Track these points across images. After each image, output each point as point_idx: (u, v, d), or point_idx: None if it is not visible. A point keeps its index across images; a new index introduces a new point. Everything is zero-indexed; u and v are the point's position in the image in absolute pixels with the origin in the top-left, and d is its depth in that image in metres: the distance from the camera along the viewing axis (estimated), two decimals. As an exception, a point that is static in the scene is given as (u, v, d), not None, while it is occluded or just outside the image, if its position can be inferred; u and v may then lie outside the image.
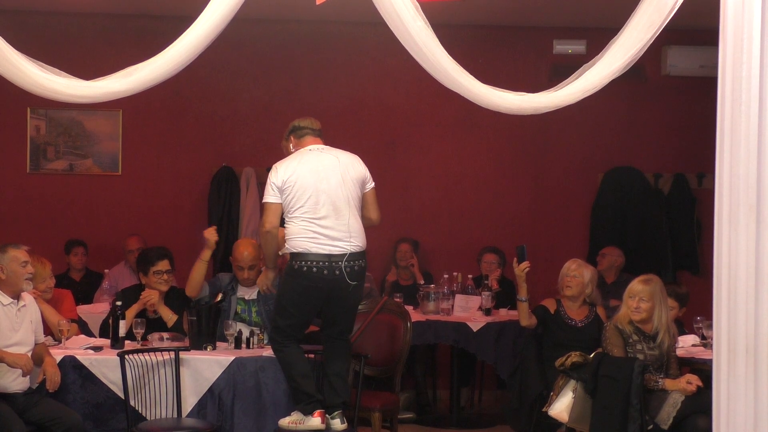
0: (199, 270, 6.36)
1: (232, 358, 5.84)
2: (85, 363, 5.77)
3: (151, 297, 6.39)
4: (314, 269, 5.59)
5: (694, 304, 6.78)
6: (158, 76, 4.52)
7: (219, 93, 9.19)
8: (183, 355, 5.81)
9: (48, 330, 6.09)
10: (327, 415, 5.67)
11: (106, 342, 6.06)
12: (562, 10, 8.64)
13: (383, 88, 9.26)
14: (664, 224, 9.39)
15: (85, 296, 8.09)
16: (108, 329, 6.14)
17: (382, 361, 6.69)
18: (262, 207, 5.92)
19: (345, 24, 8.71)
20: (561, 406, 6.01)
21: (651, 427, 5.80)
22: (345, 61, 9.21)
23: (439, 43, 4.53)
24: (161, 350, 5.81)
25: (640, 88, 9.25)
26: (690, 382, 5.84)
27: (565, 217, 9.46)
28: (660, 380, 5.90)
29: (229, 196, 9.13)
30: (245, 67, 9.21)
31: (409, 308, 7.42)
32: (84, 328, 6.82)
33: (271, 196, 5.70)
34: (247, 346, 6.09)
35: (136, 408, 5.74)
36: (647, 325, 6.06)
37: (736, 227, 4.33)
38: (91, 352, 5.86)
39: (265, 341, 6.14)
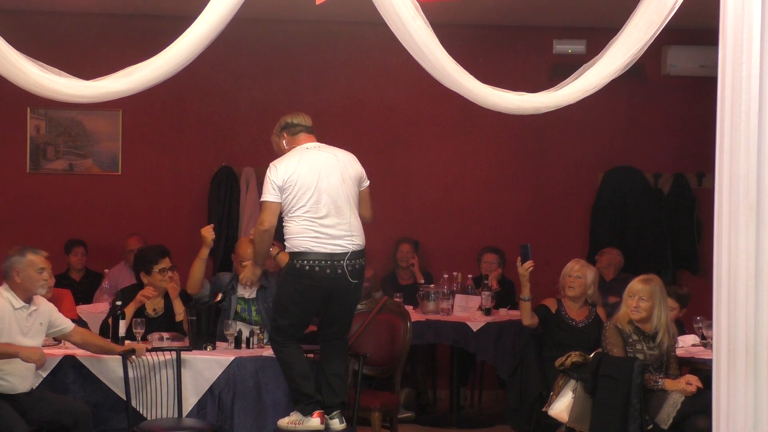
0: (199, 268, 6.37)
1: (232, 357, 5.84)
2: (85, 363, 5.77)
3: (147, 293, 6.44)
4: (316, 268, 5.58)
5: (694, 304, 6.77)
6: (158, 76, 4.52)
7: (219, 93, 9.18)
8: (183, 355, 5.81)
9: None
10: (326, 416, 5.67)
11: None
12: (562, 10, 8.64)
13: (383, 88, 9.25)
14: (664, 224, 9.39)
15: (85, 296, 8.11)
16: (108, 329, 6.15)
17: (382, 360, 6.69)
18: (260, 206, 5.90)
19: (345, 24, 8.71)
20: (561, 406, 6.01)
21: (651, 427, 5.79)
22: (345, 61, 9.21)
23: (439, 43, 4.53)
24: (162, 350, 5.81)
25: (640, 88, 9.25)
26: (690, 383, 5.84)
27: (565, 217, 9.46)
28: (660, 380, 5.90)
29: (229, 196, 9.13)
30: (245, 67, 9.20)
31: (409, 308, 7.41)
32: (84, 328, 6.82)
33: (270, 195, 5.66)
34: (247, 346, 6.09)
35: (137, 408, 5.74)
36: (647, 324, 6.05)
37: (735, 227, 4.33)
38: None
39: (265, 341, 6.14)
